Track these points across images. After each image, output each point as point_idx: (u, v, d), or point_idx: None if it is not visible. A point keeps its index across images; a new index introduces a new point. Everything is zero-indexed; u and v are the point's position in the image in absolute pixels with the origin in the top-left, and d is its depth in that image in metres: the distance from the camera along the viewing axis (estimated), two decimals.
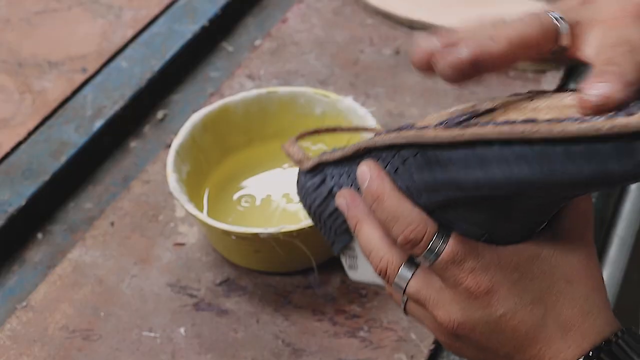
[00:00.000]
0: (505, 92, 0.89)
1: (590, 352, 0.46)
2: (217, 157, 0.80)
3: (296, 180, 0.57)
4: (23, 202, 0.79)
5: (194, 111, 0.82)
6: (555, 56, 0.48)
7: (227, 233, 0.69)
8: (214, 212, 0.77)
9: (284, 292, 0.73)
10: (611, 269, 0.82)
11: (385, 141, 0.48)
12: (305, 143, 0.82)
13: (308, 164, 0.56)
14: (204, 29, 0.98)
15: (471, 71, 0.45)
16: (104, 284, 0.74)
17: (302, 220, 0.71)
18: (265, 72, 0.94)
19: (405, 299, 0.51)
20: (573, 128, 0.38)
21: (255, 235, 0.69)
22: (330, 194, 0.54)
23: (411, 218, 0.47)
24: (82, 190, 0.83)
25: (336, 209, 0.54)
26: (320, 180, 0.55)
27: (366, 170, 0.49)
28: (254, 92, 0.81)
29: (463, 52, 0.44)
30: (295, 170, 0.81)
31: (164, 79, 0.93)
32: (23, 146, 0.85)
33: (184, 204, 0.71)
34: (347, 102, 0.79)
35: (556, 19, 0.47)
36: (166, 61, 0.93)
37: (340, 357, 0.68)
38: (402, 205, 0.47)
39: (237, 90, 0.90)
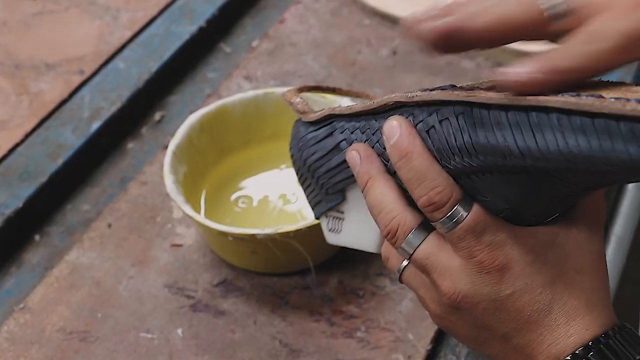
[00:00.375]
0: None
1: (590, 343, 0.46)
2: (214, 158, 0.80)
3: (293, 131, 0.55)
4: (20, 204, 0.79)
5: (192, 112, 0.82)
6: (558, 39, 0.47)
7: (224, 234, 0.69)
8: (211, 213, 0.77)
9: (281, 293, 0.73)
10: (609, 268, 0.82)
11: (425, 97, 0.46)
12: None
13: (314, 115, 0.53)
14: (201, 30, 0.98)
15: (445, 42, 0.45)
16: (101, 285, 0.74)
17: (300, 221, 0.71)
18: (263, 73, 0.94)
19: (403, 267, 0.50)
20: None
21: (252, 236, 0.69)
22: (336, 148, 0.52)
23: (438, 180, 0.46)
24: (79, 192, 0.83)
25: (336, 166, 0.52)
26: (326, 133, 0.52)
27: (396, 125, 0.47)
28: (251, 93, 0.81)
29: (440, 23, 0.45)
30: (292, 169, 0.81)
31: (161, 80, 0.93)
32: (20, 148, 0.85)
33: (181, 205, 0.71)
34: (344, 103, 0.79)
35: (551, 4, 0.46)
36: (163, 62, 0.93)
37: (337, 357, 0.68)
38: (431, 166, 0.46)
39: (235, 91, 0.90)
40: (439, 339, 0.70)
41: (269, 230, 0.68)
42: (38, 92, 0.91)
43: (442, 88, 0.47)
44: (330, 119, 0.52)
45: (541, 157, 0.41)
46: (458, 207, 0.46)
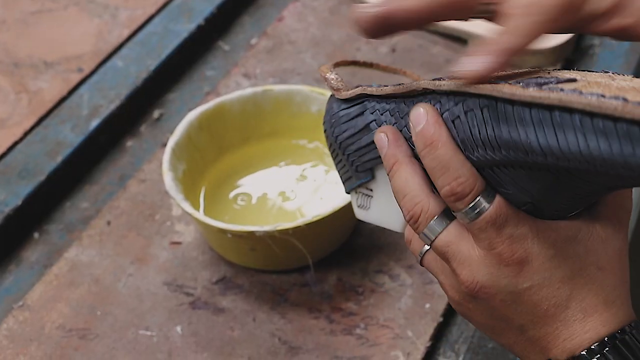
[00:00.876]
0: None
1: (606, 338, 0.46)
2: (213, 155, 0.80)
3: (327, 106, 0.55)
4: (19, 202, 0.79)
5: (190, 110, 0.82)
6: (487, 15, 0.48)
7: (223, 231, 0.69)
8: (210, 211, 0.77)
9: (280, 290, 0.73)
10: None
11: (452, 87, 0.46)
12: (302, 141, 0.82)
13: (347, 93, 0.53)
14: (200, 28, 0.98)
15: (382, 25, 0.46)
16: (101, 283, 0.74)
17: (299, 218, 0.71)
18: (262, 71, 0.94)
19: (425, 251, 0.51)
20: None
21: (251, 233, 0.69)
22: (367, 128, 0.52)
23: (462, 171, 0.46)
24: (78, 190, 0.83)
25: (366, 145, 0.52)
26: (357, 112, 0.52)
27: (423, 113, 0.47)
28: (250, 90, 0.81)
29: (374, 8, 0.46)
30: (291, 167, 0.82)
31: (160, 78, 0.93)
32: (19, 146, 0.85)
33: (180, 202, 0.71)
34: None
35: None
36: (162, 60, 0.93)
37: (336, 354, 0.68)
38: (455, 156, 0.46)
39: (234, 89, 0.90)
40: (438, 336, 0.70)
41: (268, 228, 0.68)
42: (37, 90, 0.91)
43: None
44: (362, 98, 0.53)
45: (562, 156, 0.41)
46: (480, 199, 0.46)
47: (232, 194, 0.79)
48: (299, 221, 0.69)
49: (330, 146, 0.55)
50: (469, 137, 0.45)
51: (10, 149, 0.84)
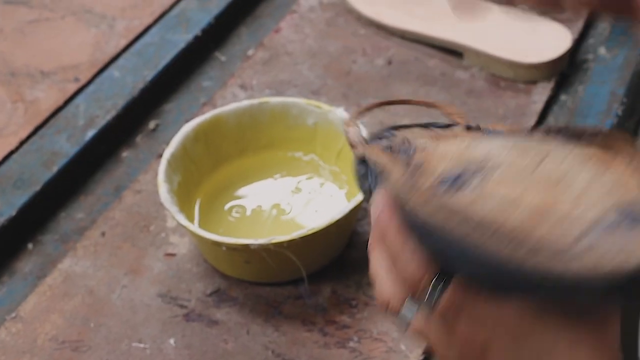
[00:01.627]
0: (497, 104, 0.89)
1: None
2: (209, 167, 0.80)
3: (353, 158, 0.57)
4: (14, 212, 0.79)
5: (187, 121, 0.83)
6: None
7: (217, 244, 0.69)
8: (205, 223, 0.77)
9: (274, 303, 0.73)
10: None
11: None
12: (298, 153, 0.83)
13: (356, 152, 0.54)
14: (196, 39, 0.98)
15: None
16: (95, 294, 0.74)
17: (293, 231, 0.71)
18: (258, 82, 0.94)
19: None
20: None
21: (246, 246, 0.69)
22: (369, 190, 0.53)
23: (410, 262, 0.46)
24: (73, 200, 0.83)
25: None
26: (363, 172, 0.54)
27: (379, 202, 0.49)
28: (246, 102, 0.81)
29: None
30: (286, 179, 0.82)
31: (156, 88, 0.93)
32: (15, 156, 0.85)
33: (175, 214, 0.71)
34: (339, 113, 0.79)
35: None
36: (159, 71, 0.93)
37: None
38: (404, 246, 0.47)
39: (230, 100, 0.90)
40: (430, 350, 0.70)
41: (262, 241, 0.68)
42: (33, 99, 0.91)
43: (423, 125, 0.47)
44: (363, 160, 0.54)
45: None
46: (433, 286, 0.46)
47: (227, 206, 0.79)
48: (294, 234, 0.69)
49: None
50: (415, 224, 0.46)
51: (6, 158, 0.84)
